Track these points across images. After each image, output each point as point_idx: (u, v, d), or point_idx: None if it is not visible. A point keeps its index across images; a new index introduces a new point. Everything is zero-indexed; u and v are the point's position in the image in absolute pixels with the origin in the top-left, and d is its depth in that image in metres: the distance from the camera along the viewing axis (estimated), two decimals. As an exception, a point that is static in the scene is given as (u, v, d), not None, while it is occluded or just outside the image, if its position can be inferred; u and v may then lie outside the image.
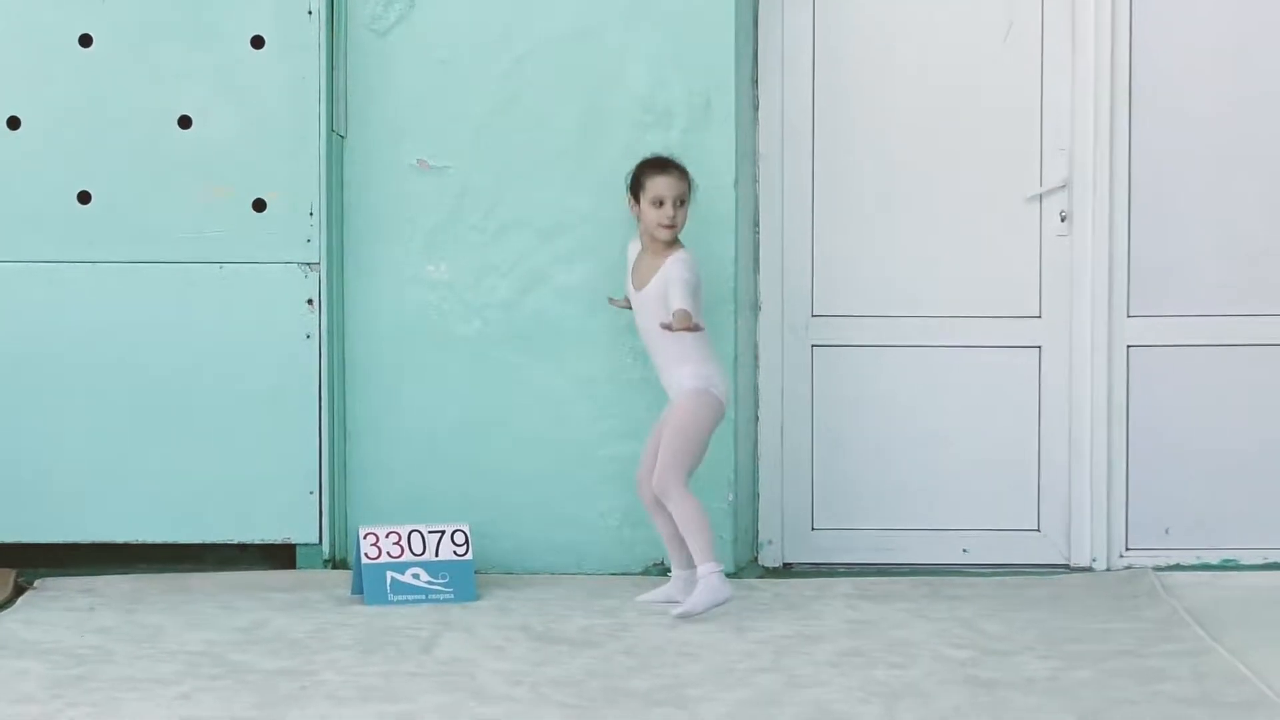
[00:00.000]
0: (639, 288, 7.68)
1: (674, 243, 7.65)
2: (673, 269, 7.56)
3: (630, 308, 7.86)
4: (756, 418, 8.47)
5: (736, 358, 8.30)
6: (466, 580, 7.85)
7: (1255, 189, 8.51)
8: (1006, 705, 6.32)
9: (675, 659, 6.93)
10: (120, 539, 8.26)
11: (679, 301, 7.45)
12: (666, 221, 7.59)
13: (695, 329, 7.40)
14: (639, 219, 7.72)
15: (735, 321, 8.28)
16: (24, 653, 6.98)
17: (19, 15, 8.14)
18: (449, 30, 8.26)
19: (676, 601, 7.56)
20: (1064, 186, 8.52)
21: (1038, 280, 8.55)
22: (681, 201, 7.63)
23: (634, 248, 7.86)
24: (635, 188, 7.71)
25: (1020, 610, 7.67)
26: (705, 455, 7.67)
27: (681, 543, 7.57)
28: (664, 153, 8.21)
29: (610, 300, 8.07)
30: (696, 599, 7.40)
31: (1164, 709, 6.28)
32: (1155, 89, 8.48)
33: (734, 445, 8.27)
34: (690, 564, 7.53)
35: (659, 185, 7.61)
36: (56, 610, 7.63)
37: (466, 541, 7.91)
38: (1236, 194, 8.51)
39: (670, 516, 7.54)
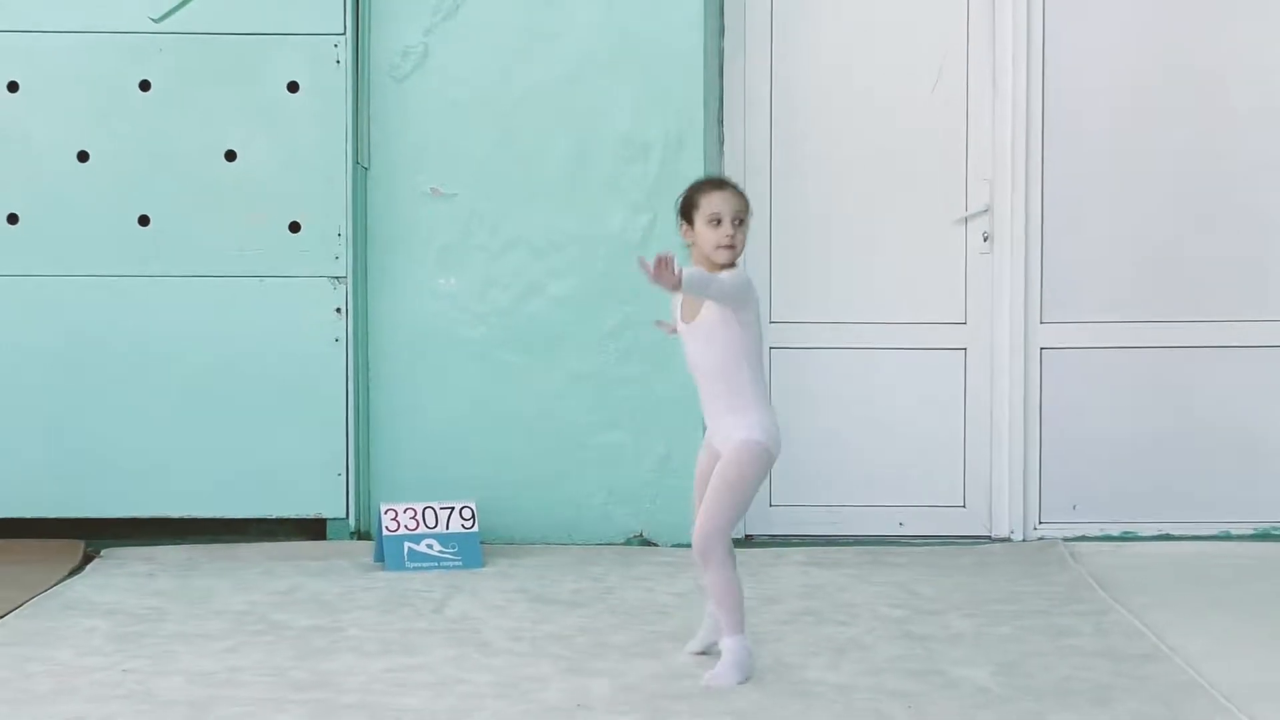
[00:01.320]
0: (689, 320, 6.11)
1: (730, 267, 6.07)
2: (722, 275, 6.01)
3: (675, 332, 6.27)
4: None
5: (705, 358, 8.30)
6: (473, 550, 7.86)
7: (1150, 214, 8.52)
8: (937, 657, 6.33)
9: (652, 618, 6.93)
10: (176, 514, 8.26)
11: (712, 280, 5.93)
12: (726, 241, 6.01)
13: (670, 275, 5.72)
14: (691, 245, 6.17)
15: (704, 327, 8.28)
16: (92, 612, 6.98)
17: (88, 64, 8.14)
18: (457, 77, 8.26)
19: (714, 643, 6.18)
20: (986, 211, 8.54)
21: (963, 291, 8.56)
22: (740, 220, 6.07)
23: None
24: (687, 209, 6.16)
25: (949, 575, 7.68)
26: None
27: None
28: (646, 180, 8.24)
29: (657, 323, 6.46)
30: (724, 673, 5.92)
31: (1072, 660, 6.30)
32: (1064, 127, 8.50)
33: (703, 435, 8.25)
34: None
35: (715, 201, 6.05)
36: (120, 576, 7.64)
37: (473, 516, 7.91)
38: (1134, 218, 8.52)
39: None
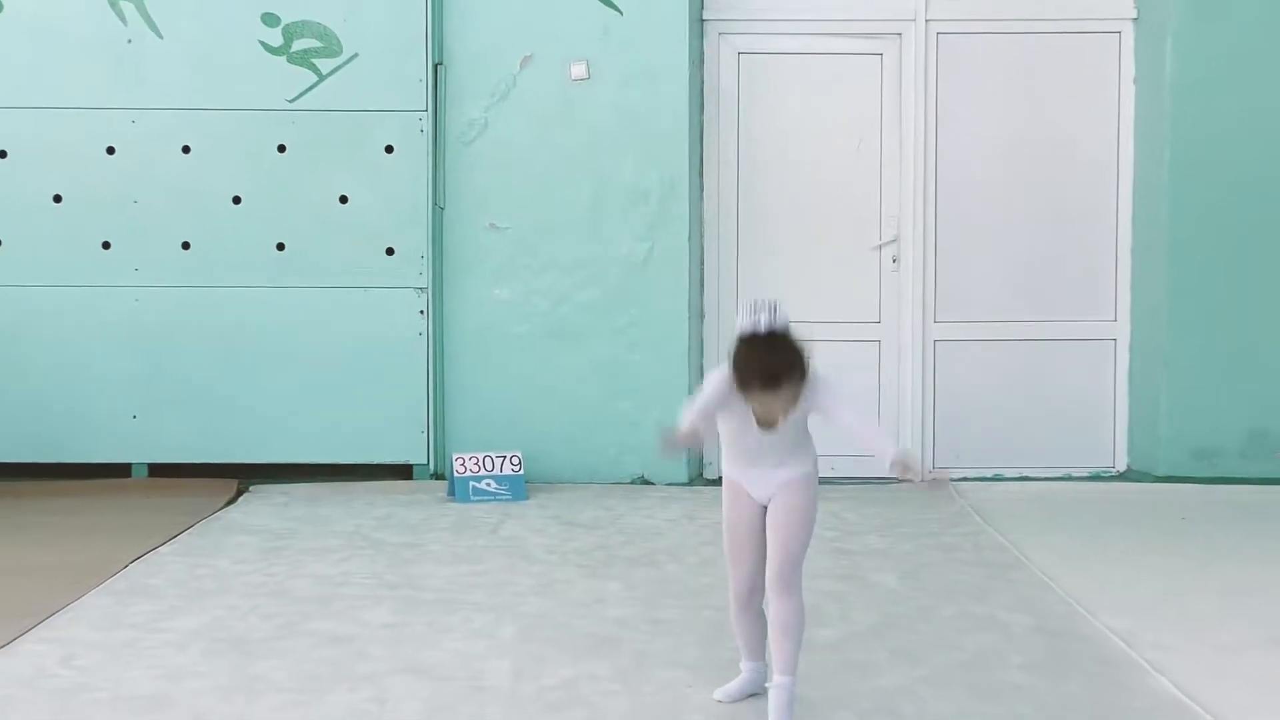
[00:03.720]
0: (775, 428, 4.45)
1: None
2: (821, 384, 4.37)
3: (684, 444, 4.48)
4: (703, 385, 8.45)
5: (690, 349, 8.29)
6: (520, 487, 7.85)
7: (1014, 244, 8.50)
8: (859, 565, 6.33)
9: (651, 537, 6.93)
10: (304, 460, 8.24)
11: (875, 437, 4.50)
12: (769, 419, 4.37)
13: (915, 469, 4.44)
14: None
15: (689, 325, 8.27)
16: (243, 532, 7.00)
17: (240, 131, 8.12)
18: (508, 142, 8.24)
19: (752, 694, 4.64)
20: (895, 240, 8.52)
21: (878, 299, 8.54)
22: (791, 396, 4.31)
23: None
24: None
25: (868, 506, 7.67)
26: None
27: (763, 638, 4.58)
28: (646, 217, 8.21)
29: (667, 442, 4.48)
30: (786, 714, 4.39)
31: (957, 568, 6.31)
32: (952, 180, 8.48)
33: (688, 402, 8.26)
34: (762, 657, 4.63)
35: (754, 400, 4.34)
36: (263, 505, 7.64)
37: (520, 462, 7.90)
38: (1003, 247, 8.50)
39: (757, 617, 4.57)
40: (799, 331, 4.37)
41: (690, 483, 8.27)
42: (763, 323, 4.32)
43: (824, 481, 8.19)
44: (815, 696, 4.59)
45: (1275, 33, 8.15)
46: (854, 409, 4.44)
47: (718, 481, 8.28)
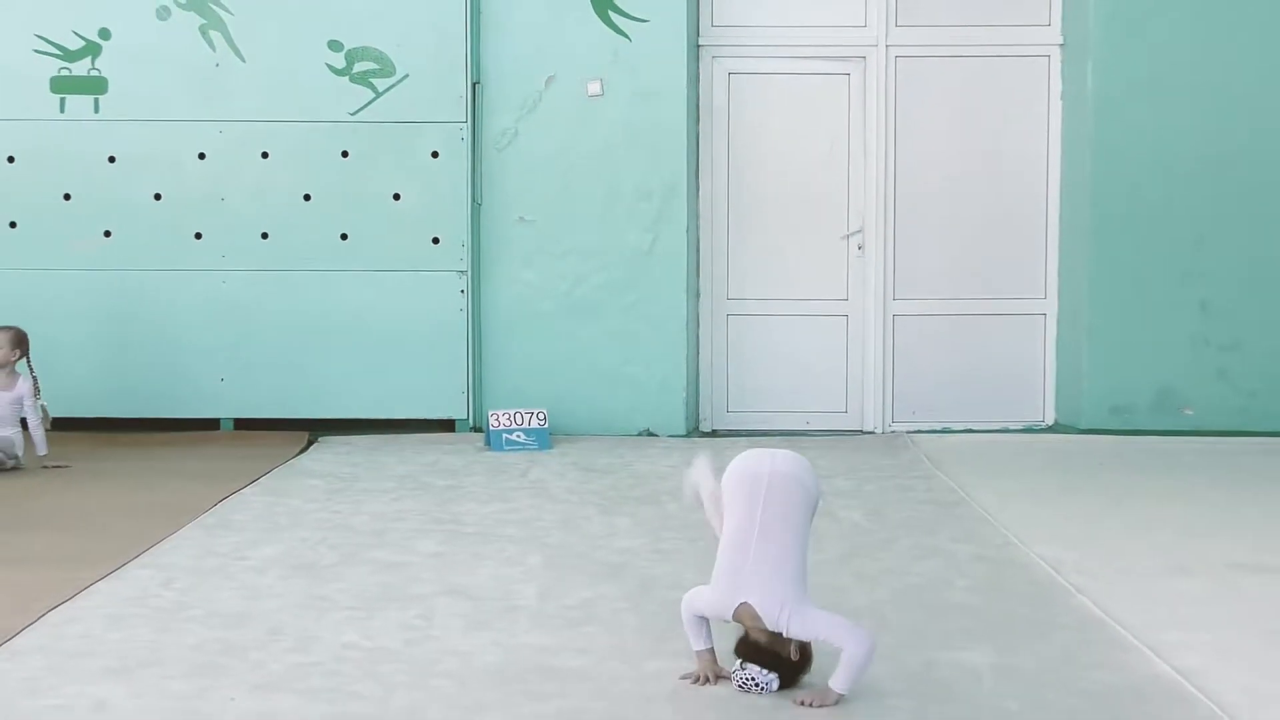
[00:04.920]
0: None
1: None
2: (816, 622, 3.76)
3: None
4: (698, 353, 8.45)
5: (687, 323, 8.26)
6: (545, 439, 7.83)
7: (960, 234, 8.47)
8: (829, 504, 6.29)
9: (655, 480, 6.92)
10: (363, 415, 8.22)
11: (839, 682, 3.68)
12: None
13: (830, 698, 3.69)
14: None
15: (687, 302, 8.24)
16: (312, 475, 6.99)
17: (310, 140, 8.09)
18: (535, 149, 8.20)
19: None
20: (860, 231, 8.48)
21: (846, 280, 8.50)
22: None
23: None
24: None
25: (838, 454, 7.66)
26: None
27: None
28: (650, 213, 8.17)
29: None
30: None
31: (912, 505, 6.31)
32: (909, 181, 8.43)
33: (685, 367, 8.25)
34: None
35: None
36: (329, 454, 7.63)
37: (545, 418, 7.88)
38: (951, 236, 8.47)
39: None
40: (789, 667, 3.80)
41: (689, 435, 8.26)
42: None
43: (800, 433, 8.27)
44: (792, 613, 4.58)
45: (1180, 55, 8.11)
46: (833, 627, 3.81)
47: (709, 434, 8.35)
